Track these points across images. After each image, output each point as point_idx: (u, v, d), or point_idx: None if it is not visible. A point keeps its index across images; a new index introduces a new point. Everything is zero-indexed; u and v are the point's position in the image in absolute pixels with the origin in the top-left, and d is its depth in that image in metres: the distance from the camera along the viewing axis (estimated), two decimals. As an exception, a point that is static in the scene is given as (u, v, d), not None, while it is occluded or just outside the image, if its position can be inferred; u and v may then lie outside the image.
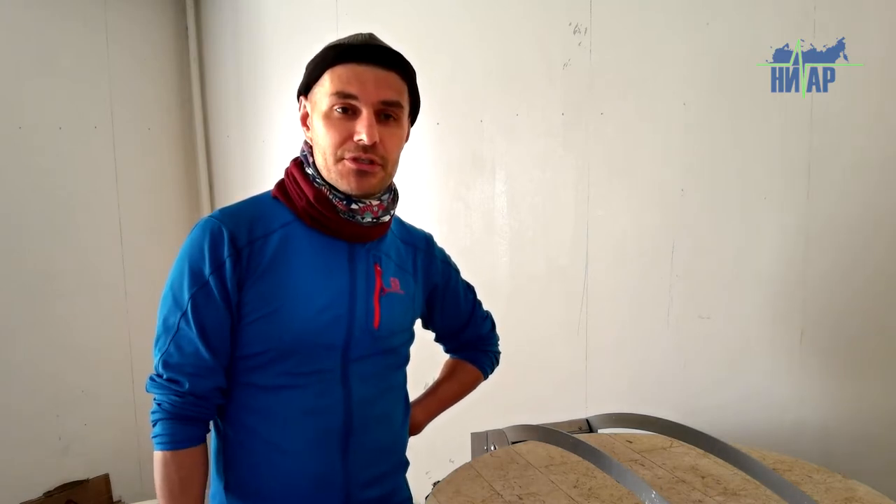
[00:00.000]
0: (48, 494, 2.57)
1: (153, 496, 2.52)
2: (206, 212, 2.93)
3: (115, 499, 2.75)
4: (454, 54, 2.01)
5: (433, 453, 1.51)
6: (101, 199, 2.68)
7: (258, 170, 2.73)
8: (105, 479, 2.73)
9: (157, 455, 1.00)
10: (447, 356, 1.40)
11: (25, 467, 2.52)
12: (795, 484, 1.04)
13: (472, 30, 1.98)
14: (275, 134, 2.64)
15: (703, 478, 1.15)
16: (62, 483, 2.62)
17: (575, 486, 1.13)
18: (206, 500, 1.07)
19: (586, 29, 1.74)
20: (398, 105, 1.02)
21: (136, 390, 2.77)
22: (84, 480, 2.67)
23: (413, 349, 1.21)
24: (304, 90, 1.07)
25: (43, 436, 2.57)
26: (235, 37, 2.76)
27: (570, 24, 1.76)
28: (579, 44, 1.75)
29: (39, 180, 2.51)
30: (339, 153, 1.01)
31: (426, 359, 1.34)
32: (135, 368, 2.77)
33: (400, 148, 1.07)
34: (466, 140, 2.01)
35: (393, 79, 1.02)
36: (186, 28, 2.89)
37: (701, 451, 1.24)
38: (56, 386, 2.59)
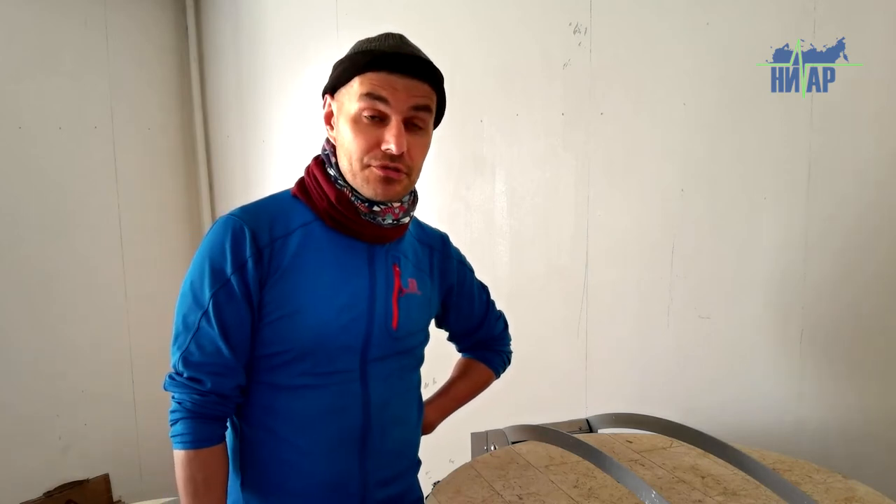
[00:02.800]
0: (48, 494, 2.57)
1: (153, 496, 2.53)
2: (206, 212, 2.93)
3: (115, 499, 2.75)
4: (454, 54, 2.01)
5: (433, 453, 1.50)
6: (101, 199, 2.68)
7: (258, 170, 2.72)
8: (105, 479, 2.73)
9: (179, 454, 0.99)
10: (454, 354, 1.40)
11: (25, 467, 2.52)
12: (795, 484, 1.04)
13: (472, 30, 1.98)
14: (275, 134, 2.64)
15: (703, 478, 1.15)
16: (62, 483, 2.62)
17: (575, 486, 1.13)
18: None
19: (586, 29, 1.74)
20: (427, 109, 1.02)
21: (135, 390, 2.77)
22: (84, 480, 2.67)
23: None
24: (331, 90, 1.05)
25: (43, 436, 2.57)
26: (235, 37, 2.76)
27: (570, 24, 1.76)
28: (579, 44, 1.75)
29: (39, 180, 2.52)
30: (365, 160, 1.00)
31: (431, 358, 1.33)
32: (135, 368, 2.77)
33: (425, 156, 1.06)
34: (466, 140, 2.01)
35: (423, 88, 1.01)
36: (186, 28, 2.89)
37: (701, 451, 1.24)
38: (56, 386, 2.59)
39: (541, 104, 1.85)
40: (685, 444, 1.26)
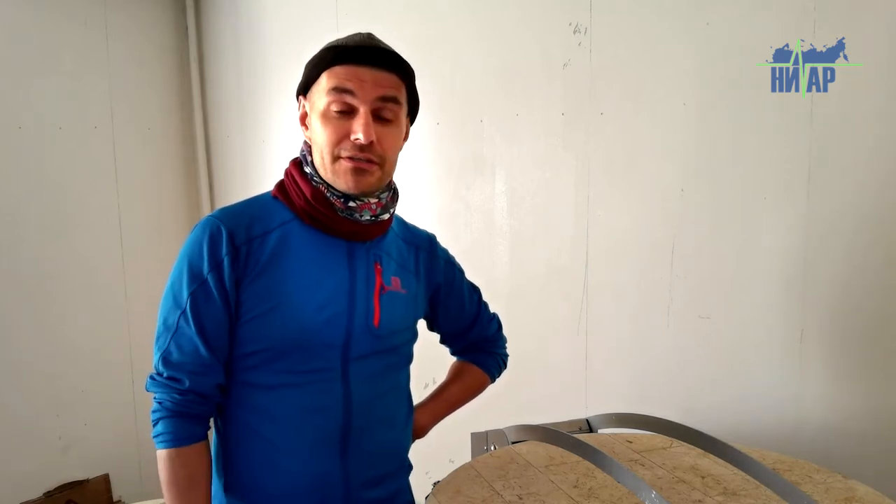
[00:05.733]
0: (48, 494, 2.57)
1: (153, 496, 2.53)
2: (206, 212, 2.93)
3: (115, 499, 2.75)
4: (454, 54, 2.01)
5: (433, 453, 1.50)
6: (101, 199, 2.68)
7: (258, 170, 2.73)
8: (105, 479, 2.73)
9: (161, 453, 1.00)
10: (453, 357, 1.40)
11: (25, 467, 2.52)
12: (795, 484, 1.04)
13: (472, 30, 1.98)
14: (275, 134, 2.64)
15: (703, 478, 1.15)
16: (62, 483, 2.62)
17: (575, 486, 1.13)
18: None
19: (586, 29, 1.74)
20: (395, 101, 1.03)
21: (136, 390, 2.77)
22: (84, 480, 2.67)
23: (416, 349, 1.21)
24: (303, 90, 1.08)
25: (43, 436, 2.57)
26: (235, 37, 2.76)
27: (570, 24, 1.76)
28: (579, 44, 1.75)
29: (39, 180, 2.51)
30: (335, 152, 1.01)
31: (430, 359, 1.33)
32: (135, 368, 2.77)
33: (398, 147, 1.07)
34: (466, 140, 2.01)
35: (391, 78, 1.02)
36: (186, 28, 2.89)
37: (701, 451, 1.24)
38: (56, 386, 2.59)
39: (541, 104, 1.85)
40: (685, 444, 1.26)
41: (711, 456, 1.21)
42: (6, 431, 2.48)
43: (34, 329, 2.53)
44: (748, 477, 1.09)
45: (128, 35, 2.73)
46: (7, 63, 2.42)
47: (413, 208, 2.06)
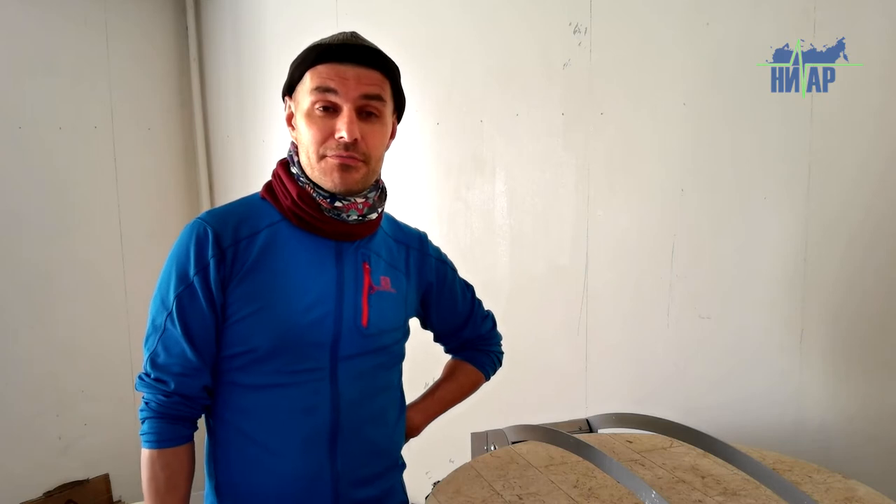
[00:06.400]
0: (48, 494, 2.57)
1: (153, 496, 2.52)
2: (206, 212, 2.93)
3: (115, 499, 2.75)
4: (454, 55, 2.01)
5: (433, 453, 1.51)
6: (101, 199, 2.69)
7: (258, 170, 2.73)
8: (105, 479, 2.73)
9: (144, 453, 1.02)
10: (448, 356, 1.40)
11: (25, 467, 2.52)
12: (795, 484, 1.04)
13: (471, 30, 1.98)
14: (275, 134, 2.64)
15: (703, 478, 1.15)
16: (62, 483, 2.62)
17: (575, 486, 1.13)
18: (198, 500, 1.07)
19: (586, 29, 1.74)
20: (379, 98, 1.03)
21: (135, 390, 2.78)
22: (84, 480, 2.67)
23: (413, 349, 1.21)
24: (288, 91, 1.08)
25: (43, 436, 2.57)
26: (235, 37, 2.76)
27: (570, 24, 1.76)
28: (579, 44, 1.75)
29: (39, 180, 2.52)
30: (321, 151, 1.02)
31: (426, 359, 1.33)
32: (135, 368, 2.77)
33: (383, 144, 1.08)
34: (466, 140, 2.01)
35: (374, 76, 1.03)
36: (186, 28, 2.90)
37: (701, 451, 1.24)
38: (56, 386, 2.59)
39: (541, 104, 1.85)
40: (685, 444, 1.26)
41: (711, 456, 1.21)
42: (6, 431, 2.48)
43: (34, 329, 2.53)
44: (748, 477, 1.09)
45: (128, 35, 2.73)
46: (7, 63, 2.42)
47: (413, 208, 2.06)
